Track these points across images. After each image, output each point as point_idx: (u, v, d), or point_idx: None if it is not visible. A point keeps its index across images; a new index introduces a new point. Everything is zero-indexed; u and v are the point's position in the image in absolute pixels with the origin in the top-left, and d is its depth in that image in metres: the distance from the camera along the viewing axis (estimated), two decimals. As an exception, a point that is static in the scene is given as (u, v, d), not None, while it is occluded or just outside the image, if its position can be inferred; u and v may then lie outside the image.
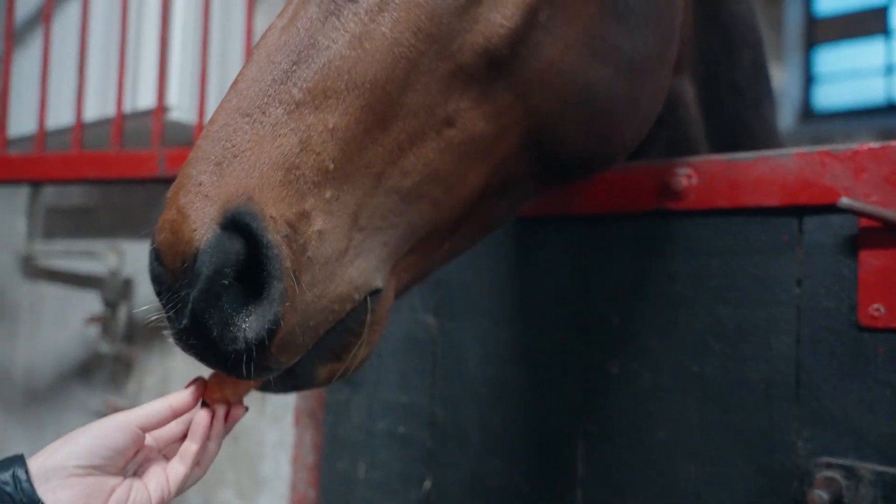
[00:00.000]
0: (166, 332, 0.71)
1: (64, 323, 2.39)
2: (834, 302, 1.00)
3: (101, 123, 1.88)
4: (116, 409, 2.08)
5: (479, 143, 0.79)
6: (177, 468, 0.77)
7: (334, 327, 0.72)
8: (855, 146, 0.98)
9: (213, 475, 1.83)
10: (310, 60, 0.70)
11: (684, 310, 1.13)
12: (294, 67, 0.69)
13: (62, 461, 0.67)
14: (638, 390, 1.18)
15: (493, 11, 0.76)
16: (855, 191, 0.97)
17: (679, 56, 1.09)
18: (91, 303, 2.22)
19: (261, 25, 1.87)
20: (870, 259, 0.97)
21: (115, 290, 2.11)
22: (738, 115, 1.28)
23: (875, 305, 0.96)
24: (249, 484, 1.76)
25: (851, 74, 5.84)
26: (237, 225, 0.65)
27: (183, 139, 1.79)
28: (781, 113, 6.17)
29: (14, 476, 0.65)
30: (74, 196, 2.42)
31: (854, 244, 0.98)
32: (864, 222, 0.97)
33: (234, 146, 0.67)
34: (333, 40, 0.71)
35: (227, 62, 1.84)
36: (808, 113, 6.45)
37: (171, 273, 0.67)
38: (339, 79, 0.70)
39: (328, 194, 0.69)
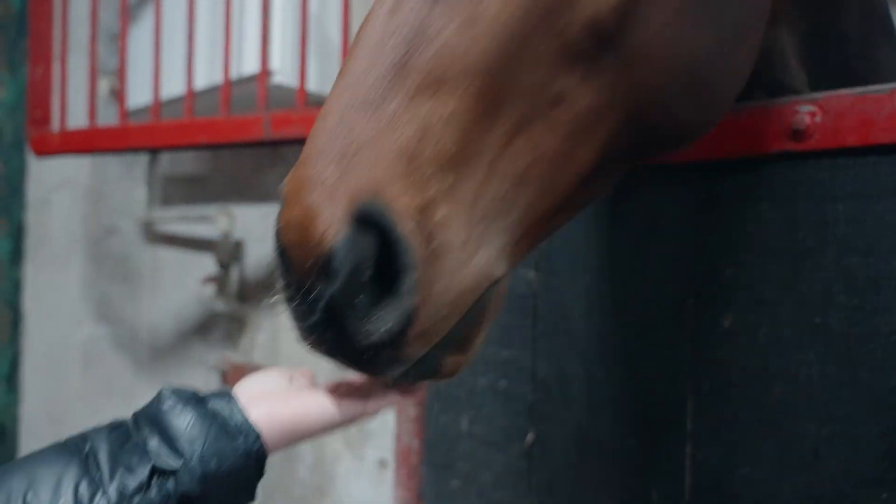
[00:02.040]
0: (295, 330, 0.72)
1: (182, 284, 2.54)
2: (982, 247, 0.91)
3: (211, 91, 1.96)
4: (232, 365, 2.20)
5: (586, 121, 0.77)
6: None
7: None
8: None
9: (322, 427, 1.91)
10: (421, 48, 0.68)
11: (807, 260, 1.06)
12: (406, 57, 0.68)
13: (248, 393, 0.79)
14: (754, 344, 1.12)
15: None
16: None
17: (775, 8, 1.01)
18: (206, 265, 2.35)
19: (357, -13, 1.88)
20: None
21: (228, 252, 2.22)
22: (846, 65, 1.18)
23: None
24: (357, 435, 1.82)
25: None
26: (367, 221, 0.64)
27: (286, 102, 1.84)
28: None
29: (229, 403, 0.76)
30: (188, 164, 2.56)
31: None
32: None
33: (353, 141, 0.66)
34: (443, 26, 0.69)
35: (326, 25, 1.86)
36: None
37: (300, 272, 0.66)
38: (452, 65, 0.68)
39: (448, 184, 0.68)
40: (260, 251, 2.20)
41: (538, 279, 1.43)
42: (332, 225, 0.64)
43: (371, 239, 0.64)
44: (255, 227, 2.23)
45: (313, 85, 1.81)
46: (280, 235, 0.68)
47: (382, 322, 0.65)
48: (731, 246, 1.15)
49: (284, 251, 0.67)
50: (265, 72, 1.77)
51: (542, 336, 1.42)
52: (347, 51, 1.62)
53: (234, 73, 1.87)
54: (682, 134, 0.92)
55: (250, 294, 2.21)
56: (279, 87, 1.83)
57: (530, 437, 1.43)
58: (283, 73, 1.81)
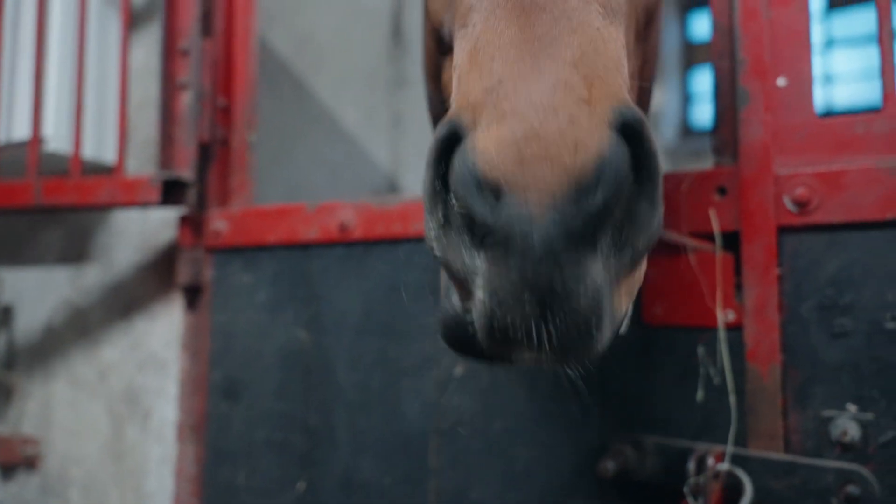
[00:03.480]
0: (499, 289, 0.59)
1: (-61, 353, 2.33)
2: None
3: (-25, 153, 1.89)
4: (-4, 437, 2.07)
5: (634, 71, 0.92)
6: None
7: None
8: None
9: (97, 496, 1.87)
10: None
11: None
12: None
13: None
14: (479, 388, 1.35)
15: None
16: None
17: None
18: (-32, 332, 2.19)
19: (137, 56, 1.94)
20: (650, 268, 1.17)
21: (-6, 318, 2.11)
22: None
23: (656, 306, 1.17)
24: (133, 500, 1.81)
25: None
26: (625, 129, 0.58)
27: (60, 170, 1.84)
28: (663, 129, 6.68)
29: None
30: (-52, 224, 2.38)
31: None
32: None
33: (570, 47, 0.59)
34: None
35: (104, 94, 1.90)
36: (686, 130, 7.00)
37: (545, 188, 0.55)
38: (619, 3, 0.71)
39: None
40: (32, 315, 2.11)
41: (309, 338, 1.58)
42: (593, 132, 0.55)
43: (627, 149, 0.58)
44: (27, 291, 2.14)
45: (90, 152, 1.83)
46: (508, 146, 0.55)
47: (634, 240, 0.59)
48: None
49: (514, 170, 0.55)
50: (37, 138, 1.76)
51: (312, 388, 1.56)
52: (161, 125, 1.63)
53: (3, 137, 1.83)
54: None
55: (19, 361, 2.11)
56: (53, 155, 1.82)
57: (301, 484, 1.55)
58: (58, 139, 1.81)
